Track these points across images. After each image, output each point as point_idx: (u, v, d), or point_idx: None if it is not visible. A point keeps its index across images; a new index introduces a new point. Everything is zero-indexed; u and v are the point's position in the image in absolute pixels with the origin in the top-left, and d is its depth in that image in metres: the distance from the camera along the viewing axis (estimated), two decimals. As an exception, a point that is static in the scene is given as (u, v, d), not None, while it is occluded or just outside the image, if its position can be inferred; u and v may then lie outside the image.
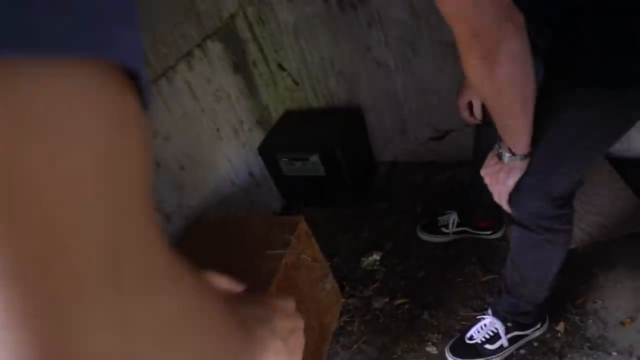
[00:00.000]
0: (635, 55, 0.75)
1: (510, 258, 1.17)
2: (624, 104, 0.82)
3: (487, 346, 1.32)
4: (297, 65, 2.04)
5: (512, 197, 0.99)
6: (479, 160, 1.03)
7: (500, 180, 0.94)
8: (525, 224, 1.04)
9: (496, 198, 1.00)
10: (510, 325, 1.30)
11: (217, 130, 1.76)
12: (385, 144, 2.17)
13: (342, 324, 1.61)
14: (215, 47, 1.73)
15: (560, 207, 1.00)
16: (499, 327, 1.31)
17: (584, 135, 0.87)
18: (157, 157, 1.48)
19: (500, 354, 1.33)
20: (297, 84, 2.10)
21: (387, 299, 1.63)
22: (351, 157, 1.91)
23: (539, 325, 1.33)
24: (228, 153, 1.82)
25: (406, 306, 1.59)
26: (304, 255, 1.41)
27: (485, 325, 1.34)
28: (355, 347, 1.53)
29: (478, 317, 1.38)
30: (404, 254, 1.76)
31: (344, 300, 1.67)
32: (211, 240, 1.46)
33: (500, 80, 0.71)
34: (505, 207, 1.01)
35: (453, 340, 1.39)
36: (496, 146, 0.92)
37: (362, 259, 1.79)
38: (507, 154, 0.90)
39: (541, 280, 1.16)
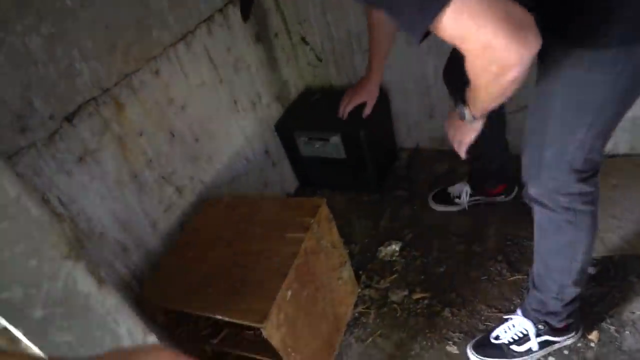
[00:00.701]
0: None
1: (535, 247, 1.15)
2: (629, 65, 0.82)
3: (515, 347, 1.28)
4: (322, 39, 1.96)
5: (532, 172, 1.02)
6: (485, 132, 1.07)
7: (465, 134, 1.08)
8: (545, 202, 1.03)
9: (456, 147, 1.15)
10: (542, 328, 1.25)
11: (235, 102, 1.69)
12: (409, 129, 2.09)
13: (356, 315, 1.56)
14: (236, 14, 1.65)
15: (582, 180, 0.99)
16: (529, 328, 1.26)
17: (595, 97, 0.87)
18: (172, 127, 1.42)
19: (528, 357, 1.28)
20: (320, 59, 2.02)
21: (405, 292, 1.57)
22: (374, 141, 1.84)
23: (573, 333, 1.27)
24: (245, 127, 1.76)
25: (425, 301, 1.53)
26: (323, 241, 1.35)
27: (513, 325, 1.29)
28: (370, 340, 1.48)
29: (505, 317, 1.33)
30: (424, 247, 1.70)
31: (359, 290, 1.62)
32: (225, 218, 1.40)
33: (508, 82, 0.73)
34: (463, 154, 1.16)
35: (477, 338, 1.35)
36: (460, 108, 1.00)
37: (380, 248, 1.73)
38: (470, 117, 0.99)
39: (566, 269, 1.12)
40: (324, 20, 1.88)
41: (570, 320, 1.25)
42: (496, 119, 1.40)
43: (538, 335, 1.25)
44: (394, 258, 1.69)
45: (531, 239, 1.52)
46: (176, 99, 1.43)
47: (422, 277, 1.60)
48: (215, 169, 1.62)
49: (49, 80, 1.07)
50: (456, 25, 0.66)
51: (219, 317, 1.13)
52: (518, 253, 1.57)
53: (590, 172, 0.99)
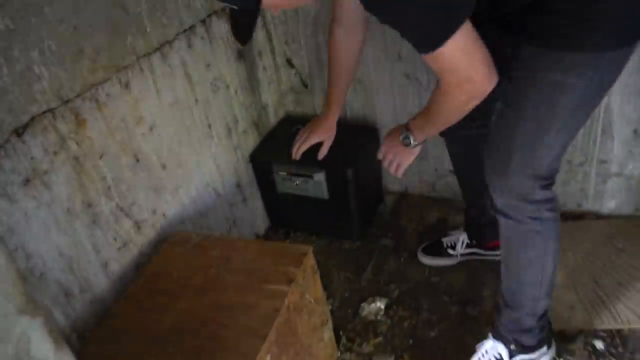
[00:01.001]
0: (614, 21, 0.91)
1: (503, 264, 1.25)
2: (601, 69, 0.96)
3: None
4: (309, 63, 1.95)
5: (498, 178, 1.14)
6: (479, 179, 1.27)
7: (405, 156, 1.32)
8: (511, 214, 1.15)
9: (393, 169, 1.36)
10: (514, 348, 1.33)
11: (209, 126, 1.63)
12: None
13: (334, 383, 1.49)
14: (220, 27, 1.62)
15: (545, 187, 1.12)
16: (502, 350, 1.34)
17: (567, 101, 1.00)
18: (137, 150, 1.34)
19: None
20: (305, 85, 2.00)
21: (391, 359, 1.52)
22: (361, 182, 1.82)
23: (545, 348, 1.34)
24: (217, 156, 1.69)
25: (415, 371, 1.48)
26: (307, 295, 1.29)
27: (486, 351, 1.36)
28: (349, 414, 1.41)
29: (477, 345, 1.40)
30: (413, 306, 1.66)
31: (339, 354, 1.55)
32: (193, 261, 1.32)
33: (467, 110, 1.02)
34: (400, 175, 1.38)
35: None
36: (405, 135, 1.27)
37: (363, 305, 1.68)
38: (415, 142, 1.27)
39: (537, 281, 1.22)
40: (315, 42, 1.88)
41: (542, 335, 1.33)
42: None
43: (511, 356, 1.34)
44: (378, 317, 1.64)
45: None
46: (145, 117, 1.36)
47: (411, 341, 1.56)
48: (180, 202, 1.54)
49: (-1, 84, 0.98)
50: (451, 58, 0.90)
51: (183, 384, 1.04)
52: (518, 319, 1.55)
53: (551, 180, 1.13)
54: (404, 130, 1.27)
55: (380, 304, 1.67)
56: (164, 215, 1.48)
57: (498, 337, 1.35)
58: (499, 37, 1.02)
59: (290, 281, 1.20)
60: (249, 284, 1.22)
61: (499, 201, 1.17)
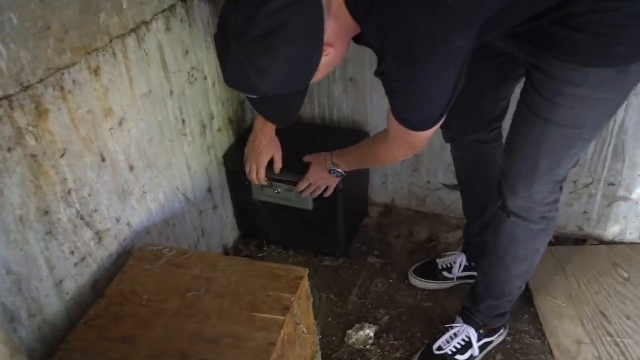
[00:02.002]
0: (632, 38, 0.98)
1: (497, 257, 1.36)
2: (628, 80, 1.05)
3: (458, 357, 1.48)
4: (295, 56, 1.87)
5: (520, 187, 1.22)
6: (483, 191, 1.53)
7: (332, 182, 1.60)
8: (524, 215, 1.25)
9: (317, 190, 1.62)
10: (482, 332, 1.49)
11: (183, 122, 1.53)
12: (386, 181, 2.05)
13: (319, 423, 1.42)
14: (201, 8, 1.52)
15: (559, 190, 1.25)
16: (472, 334, 1.48)
17: (596, 114, 1.10)
18: (104, 148, 1.23)
19: None
20: (289, 80, 1.92)
21: (382, 395, 1.47)
22: (351, 191, 1.76)
23: (502, 330, 1.54)
24: (190, 156, 1.59)
25: (409, 408, 1.44)
26: (301, 325, 1.21)
27: (455, 334, 1.50)
28: None
29: (447, 326, 1.54)
30: (405, 334, 1.62)
31: (324, 388, 1.49)
32: (167, 281, 1.22)
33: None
34: (327, 194, 1.62)
35: (420, 352, 1.52)
36: (332, 169, 1.54)
37: (350, 332, 1.62)
38: (340, 172, 1.54)
39: (528, 272, 1.38)
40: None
41: (508, 317, 1.53)
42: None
43: (479, 340, 1.49)
44: (367, 347, 1.59)
45: (535, 334, 1.53)
46: (115, 110, 1.25)
47: (404, 375, 1.52)
48: (147, 209, 1.44)
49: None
50: (422, 138, 1.15)
51: None
52: (520, 353, 1.54)
53: (564, 181, 1.24)
54: (331, 163, 1.53)
55: (369, 332, 1.61)
56: (128, 224, 1.37)
57: (469, 321, 1.49)
58: (518, 48, 1.15)
59: (285, 310, 1.13)
60: (236, 311, 1.14)
61: (514, 204, 1.25)
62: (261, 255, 1.92)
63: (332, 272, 1.84)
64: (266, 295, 1.17)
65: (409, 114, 1.08)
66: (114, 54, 1.21)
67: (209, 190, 1.75)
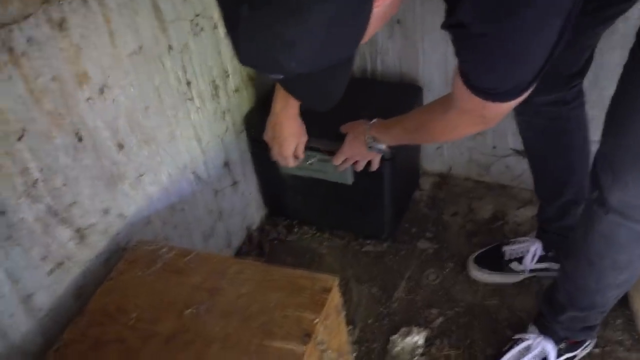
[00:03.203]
0: None
1: (587, 261, 1.13)
2: None
3: None
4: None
5: (626, 175, 0.97)
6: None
7: (374, 157, 1.38)
8: (630, 214, 1.01)
9: (359, 167, 1.40)
10: (563, 346, 1.28)
11: (188, 84, 1.31)
12: (441, 146, 1.79)
13: None
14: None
15: None
16: (550, 350, 1.28)
17: None
18: (79, 124, 1.02)
19: None
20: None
21: (435, 419, 1.26)
22: (400, 161, 1.51)
23: (588, 341, 1.31)
24: (199, 125, 1.38)
25: None
26: (329, 352, 1.00)
27: (527, 348, 1.29)
28: None
29: (515, 337, 1.33)
30: (463, 341, 1.40)
31: (362, 409, 1.30)
32: (162, 291, 1.03)
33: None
34: (373, 168, 1.41)
35: None
36: (371, 143, 1.31)
37: (394, 338, 1.41)
38: (381, 148, 1.33)
39: (629, 281, 1.14)
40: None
41: (597, 329, 1.30)
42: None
43: (559, 356, 1.28)
44: (415, 356, 1.38)
45: (632, 345, 1.29)
46: (92, 74, 1.03)
47: (462, 393, 1.30)
48: (145, 194, 1.24)
49: None
50: (499, 111, 0.92)
51: None
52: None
53: None
54: (370, 137, 1.31)
55: (417, 338, 1.40)
56: (120, 215, 1.17)
57: (547, 332, 1.29)
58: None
59: (307, 335, 0.92)
60: (244, 337, 0.93)
61: (619, 198, 1.00)
62: (291, 237, 1.72)
63: (374, 259, 1.62)
64: (283, 315, 0.96)
65: (490, 81, 0.85)
66: (85, 1, 0.98)
67: (226, 164, 1.53)
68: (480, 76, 0.84)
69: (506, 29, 0.74)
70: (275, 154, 1.40)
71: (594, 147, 1.53)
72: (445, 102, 1.04)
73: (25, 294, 0.98)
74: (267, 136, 1.38)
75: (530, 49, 0.78)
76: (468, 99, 0.88)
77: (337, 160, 1.40)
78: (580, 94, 1.27)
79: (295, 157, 1.40)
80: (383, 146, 1.31)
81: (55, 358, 0.95)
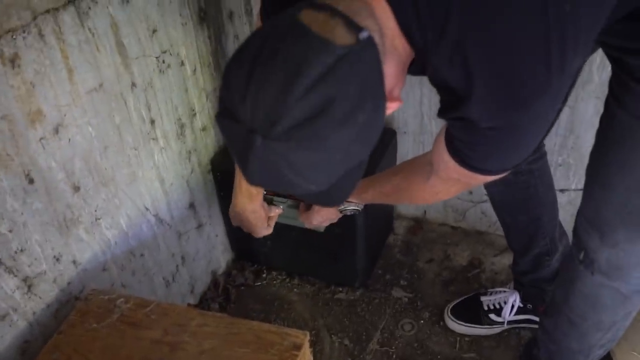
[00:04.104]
0: None
1: (568, 322, 1.10)
2: None
3: None
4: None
5: (617, 234, 0.94)
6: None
7: (335, 217, 1.26)
8: (616, 275, 0.98)
9: (321, 224, 1.29)
10: None
11: (152, 122, 1.27)
12: (416, 190, 1.77)
13: None
14: (176, -31, 1.25)
15: None
16: None
17: None
18: (31, 165, 0.98)
19: None
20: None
21: None
22: (373, 208, 1.48)
23: None
24: (162, 166, 1.34)
25: None
26: (299, 414, 0.95)
27: None
28: None
29: None
30: (440, 395, 1.35)
31: None
32: (115, 348, 0.96)
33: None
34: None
35: None
36: (347, 207, 1.22)
37: (368, 393, 1.36)
38: (354, 210, 1.23)
39: (613, 340, 1.13)
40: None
41: None
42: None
43: None
44: (391, 413, 1.33)
45: None
46: (46, 113, 0.99)
47: None
48: (102, 239, 1.19)
49: None
50: (481, 180, 0.87)
51: None
52: None
53: None
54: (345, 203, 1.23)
55: (393, 393, 1.35)
56: (74, 262, 1.12)
57: None
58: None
59: (274, 399, 0.86)
60: (206, 399, 0.88)
61: (608, 259, 0.97)
62: (259, 283, 1.67)
63: (347, 307, 1.58)
64: (250, 373, 0.90)
65: (493, 164, 0.82)
66: (41, 36, 0.95)
67: (191, 205, 1.49)
68: (481, 160, 0.81)
69: (518, 121, 0.72)
70: (249, 233, 1.28)
71: (571, 196, 1.56)
72: (424, 169, 0.97)
73: (-38, 352, 0.91)
74: (234, 221, 1.24)
75: (540, 133, 0.78)
76: (456, 171, 0.85)
77: (307, 224, 1.30)
78: (541, 146, 1.27)
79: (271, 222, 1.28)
80: (356, 207, 1.22)
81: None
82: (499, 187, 1.29)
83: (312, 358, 1.00)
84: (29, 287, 1.02)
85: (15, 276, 0.99)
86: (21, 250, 0.99)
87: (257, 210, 1.19)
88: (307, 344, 0.96)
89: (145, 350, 0.96)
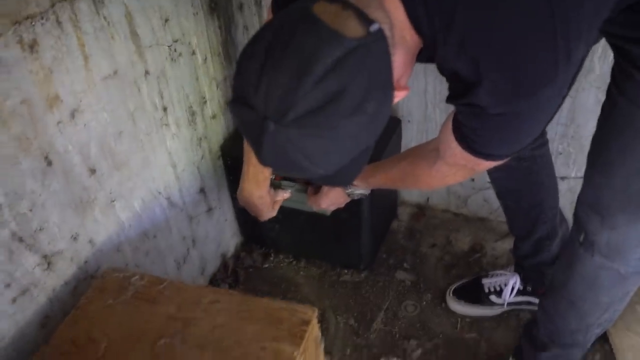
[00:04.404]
0: None
1: (567, 302, 1.10)
2: None
3: None
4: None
5: (616, 218, 0.93)
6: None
7: (343, 201, 1.27)
8: (615, 257, 0.98)
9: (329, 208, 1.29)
10: None
11: (164, 110, 1.27)
12: (419, 177, 1.77)
13: None
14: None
15: None
16: None
17: None
18: (49, 148, 0.98)
19: None
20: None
21: None
22: (378, 194, 1.49)
23: None
24: (174, 151, 1.34)
25: None
26: (307, 385, 0.96)
27: None
28: None
29: None
30: (442, 372, 1.36)
31: None
32: (131, 322, 0.98)
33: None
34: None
35: None
36: (349, 189, 1.22)
37: (373, 369, 1.37)
38: (362, 194, 1.24)
39: (611, 320, 1.13)
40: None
41: None
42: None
43: None
44: (394, 389, 1.34)
45: None
46: (63, 98, 0.99)
47: None
48: (116, 220, 1.19)
49: None
50: (486, 166, 0.88)
51: None
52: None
53: None
54: (350, 187, 1.22)
55: (396, 369, 1.36)
56: (90, 242, 1.13)
57: None
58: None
59: (284, 370, 0.87)
60: (218, 370, 0.89)
61: (607, 241, 0.97)
62: (267, 265, 1.68)
63: (352, 289, 1.59)
64: (260, 347, 0.92)
65: (500, 149, 0.83)
66: (58, 23, 0.95)
67: (202, 190, 1.50)
68: (488, 145, 0.82)
69: (525, 108, 0.73)
70: (254, 216, 1.30)
71: (571, 184, 1.56)
72: (430, 154, 0.98)
73: (-14, 324, 0.92)
74: (241, 202, 1.26)
75: (544, 119, 0.78)
76: (461, 157, 0.85)
77: (315, 207, 1.31)
78: (544, 133, 1.27)
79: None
80: (363, 191, 1.23)
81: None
82: (503, 173, 1.29)
83: (320, 333, 1.00)
84: (49, 264, 1.03)
85: (36, 253, 1.00)
86: (40, 229, 1.00)
87: (263, 196, 1.21)
88: (315, 319, 0.97)
89: (159, 325, 0.97)
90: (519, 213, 1.37)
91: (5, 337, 0.97)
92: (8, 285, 0.95)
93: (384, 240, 1.73)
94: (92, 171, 1.09)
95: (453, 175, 0.97)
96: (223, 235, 1.67)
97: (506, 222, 1.44)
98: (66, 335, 0.98)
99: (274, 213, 1.28)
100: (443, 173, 0.97)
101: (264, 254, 1.71)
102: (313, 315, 0.96)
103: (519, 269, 1.45)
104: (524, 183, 1.30)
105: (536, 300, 1.42)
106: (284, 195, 1.28)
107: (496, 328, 1.45)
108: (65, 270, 1.08)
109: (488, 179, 1.65)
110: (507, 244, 1.64)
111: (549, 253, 1.37)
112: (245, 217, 1.68)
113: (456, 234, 1.73)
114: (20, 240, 0.96)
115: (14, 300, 0.97)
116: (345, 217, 1.49)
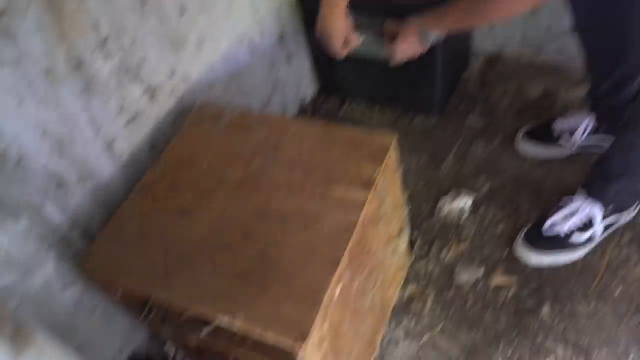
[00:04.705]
0: None
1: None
2: None
3: (575, 238, 1.25)
4: None
5: None
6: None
7: (420, 49, 1.26)
8: None
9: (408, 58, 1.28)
10: (609, 211, 1.25)
11: (245, -50, 1.25)
12: (493, 25, 1.69)
13: (406, 298, 1.29)
14: None
15: None
16: (597, 214, 1.24)
17: None
18: (145, -18, 1.00)
19: (588, 246, 1.27)
20: None
21: (479, 273, 1.30)
22: (450, 40, 1.44)
23: (634, 205, 1.29)
24: (255, -4, 1.34)
25: (511, 291, 1.26)
26: (387, 201, 1.02)
27: (573, 212, 1.26)
28: (426, 337, 1.22)
29: (564, 199, 1.29)
30: (509, 206, 1.40)
31: (411, 261, 1.34)
32: (229, 145, 1.05)
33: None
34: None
35: (526, 229, 1.31)
36: (427, 35, 1.20)
37: (444, 200, 1.42)
38: (437, 37, 1.21)
39: None
40: None
41: None
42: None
43: (604, 219, 1.25)
44: (463, 219, 1.39)
45: None
46: None
47: (507, 252, 1.32)
48: (206, 60, 1.24)
49: None
50: None
51: (220, 323, 0.83)
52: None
53: None
54: (423, 30, 1.20)
55: (465, 201, 1.41)
56: (185, 78, 1.18)
57: (595, 197, 1.25)
58: None
59: (368, 185, 0.93)
60: (308, 185, 0.95)
61: None
62: (342, 112, 1.71)
63: (423, 133, 1.61)
64: (345, 167, 0.97)
65: None
66: None
67: (281, 37, 1.51)
68: None
69: None
70: (326, 48, 1.31)
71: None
72: None
73: (107, 141, 1.02)
74: (318, 31, 1.27)
75: None
76: None
77: (395, 61, 1.31)
78: None
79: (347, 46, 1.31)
80: (438, 35, 1.21)
81: (139, 196, 1.00)
82: (589, 5, 1.21)
83: (399, 157, 1.04)
84: (151, 96, 1.10)
85: (140, 85, 1.06)
86: (143, 62, 1.05)
87: (338, 15, 1.21)
88: (395, 144, 1.00)
89: (251, 148, 1.04)
90: (599, 52, 1.30)
91: (124, 155, 1.06)
92: (120, 111, 1.03)
93: (456, 89, 1.71)
94: (183, 11, 1.12)
95: (517, 2, 0.98)
96: (301, 82, 1.69)
97: (584, 64, 1.37)
98: (173, 155, 1.06)
99: (344, 53, 1.29)
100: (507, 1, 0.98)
101: (340, 101, 1.74)
102: (393, 139, 1.00)
103: (594, 110, 1.41)
104: (608, 16, 1.21)
105: (607, 144, 1.39)
106: (356, 39, 1.27)
107: (565, 168, 1.44)
108: (166, 103, 1.15)
109: (565, 26, 1.56)
110: (581, 92, 1.58)
111: (629, 92, 1.31)
112: (322, 64, 1.69)
113: (529, 82, 1.67)
114: (127, 71, 1.02)
115: (126, 124, 1.05)
116: (419, 67, 1.46)
